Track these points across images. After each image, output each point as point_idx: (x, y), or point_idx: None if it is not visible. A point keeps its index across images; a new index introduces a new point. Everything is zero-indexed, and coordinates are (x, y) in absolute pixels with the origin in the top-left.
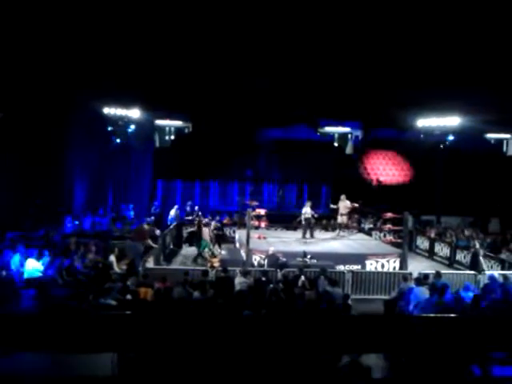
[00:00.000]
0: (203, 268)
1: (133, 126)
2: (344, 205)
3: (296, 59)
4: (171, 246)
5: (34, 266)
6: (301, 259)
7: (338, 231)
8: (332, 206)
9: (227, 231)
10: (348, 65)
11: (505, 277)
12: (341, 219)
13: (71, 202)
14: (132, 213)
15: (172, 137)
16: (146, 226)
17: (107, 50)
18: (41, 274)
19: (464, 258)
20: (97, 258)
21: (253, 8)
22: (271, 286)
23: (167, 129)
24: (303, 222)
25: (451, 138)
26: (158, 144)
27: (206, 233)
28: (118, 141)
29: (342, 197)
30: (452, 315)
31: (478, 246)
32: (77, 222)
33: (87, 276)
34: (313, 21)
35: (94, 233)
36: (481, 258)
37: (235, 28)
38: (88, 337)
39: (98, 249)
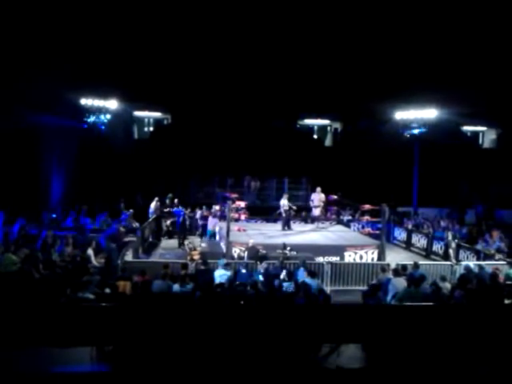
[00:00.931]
0: (183, 261)
1: (110, 117)
2: (319, 198)
3: (276, 54)
4: (150, 239)
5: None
6: (281, 251)
7: (316, 224)
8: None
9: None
10: (328, 59)
11: (480, 267)
12: (315, 212)
13: (48, 196)
14: (122, 205)
15: (151, 128)
16: (121, 229)
17: (84, 41)
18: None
19: (440, 248)
20: (74, 251)
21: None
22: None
23: (146, 120)
24: (283, 214)
25: (428, 130)
26: (136, 135)
27: (212, 223)
28: (96, 132)
29: (318, 189)
30: (429, 304)
31: (450, 237)
32: (54, 216)
33: (65, 269)
34: (292, 17)
35: (71, 226)
36: (451, 250)
37: (216, 22)
38: (67, 330)
39: (76, 242)
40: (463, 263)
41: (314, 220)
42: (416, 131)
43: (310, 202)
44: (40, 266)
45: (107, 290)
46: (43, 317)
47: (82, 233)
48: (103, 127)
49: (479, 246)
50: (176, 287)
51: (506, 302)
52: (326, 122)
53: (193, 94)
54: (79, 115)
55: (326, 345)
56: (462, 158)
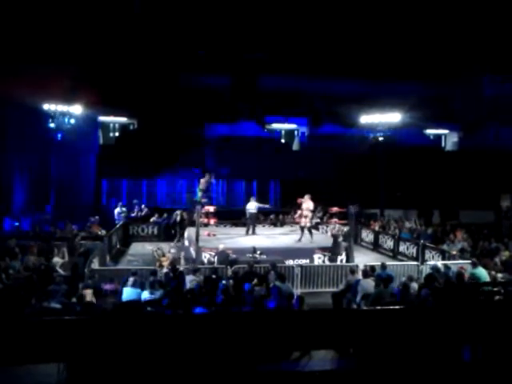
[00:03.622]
0: (151, 267)
1: (74, 122)
2: (307, 206)
3: (241, 58)
4: (118, 246)
5: None
6: (251, 255)
7: (301, 234)
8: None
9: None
10: (293, 64)
11: (446, 266)
12: (304, 221)
13: (10, 202)
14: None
15: (116, 133)
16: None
17: (47, 44)
18: None
19: (407, 249)
20: (39, 259)
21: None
22: (223, 282)
23: (111, 125)
24: (247, 218)
25: (393, 133)
26: (101, 141)
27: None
28: (60, 138)
29: (306, 197)
30: (398, 307)
31: (340, 232)
32: (17, 223)
33: (29, 279)
34: (256, 18)
35: (34, 234)
36: (340, 240)
37: (179, 24)
38: (32, 345)
39: (40, 250)
40: (429, 263)
41: (301, 230)
42: (381, 134)
43: (298, 212)
44: (3, 276)
45: (74, 300)
46: (7, 330)
47: (46, 241)
48: (67, 133)
49: (445, 246)
50: (145, 294)
51: (474, 299)
52: (293, 126)
53: (159, 98)
54: (42, 121)
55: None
56: (425, 161)
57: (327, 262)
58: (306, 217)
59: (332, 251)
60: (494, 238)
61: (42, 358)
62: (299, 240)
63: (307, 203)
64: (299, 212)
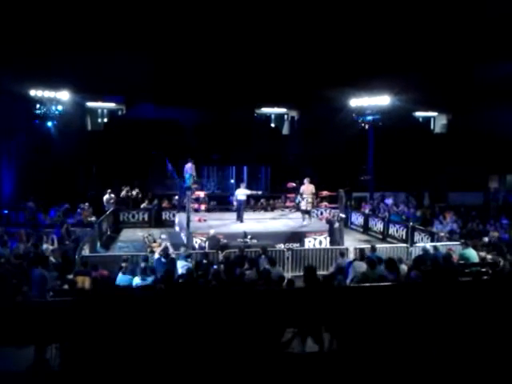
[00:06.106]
0: (143, 253)
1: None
2: (309, 189)
3: (232, 44)
4: (108, 233)
5: None
6: (241, 240)
7: (304, 218)
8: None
9: (166, 215)
10: (282, 48)
11: (435, 248)
12: (305, 205)
13: None
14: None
15: (105, 119)
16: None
17: (34, 29)
18: None
19: (396, 231)
20: (28, 247)
21: None
22: (215, 267)
23: (99, 111)
24: (234, 204)
25: (382, 116)
26: (89, 127)
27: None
28: (48, 125)
29: (306, 180)
30: (387, 283)
31: (337, 217)
32: (6, 212)
33: (19, 266)
34: (248, 7)
35: (24, 221)
36: (335, 226)
37: (172, 10)
38: (24, 329)
39: (30, 238)
40: (419, 245)
41: (304, 213)
42: (370, 118)
43: (299, 196)
44: None
45: (65, 286)
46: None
47: (35, 228)
48: (54, 120)
49: (435, 228)
50: (137, 280)
51: (462, 280)
52: (282, 110)
53: (147, 83)
54: (29, 107)
55: (288, 330)
56: (414, 143)
57: (317, 246)
58: (307, 201)
59: (331, 237)
60: (481, 219)
61: (34, 341)
62: (309, 223)
63: (308, 187)
64: (299, 197)
